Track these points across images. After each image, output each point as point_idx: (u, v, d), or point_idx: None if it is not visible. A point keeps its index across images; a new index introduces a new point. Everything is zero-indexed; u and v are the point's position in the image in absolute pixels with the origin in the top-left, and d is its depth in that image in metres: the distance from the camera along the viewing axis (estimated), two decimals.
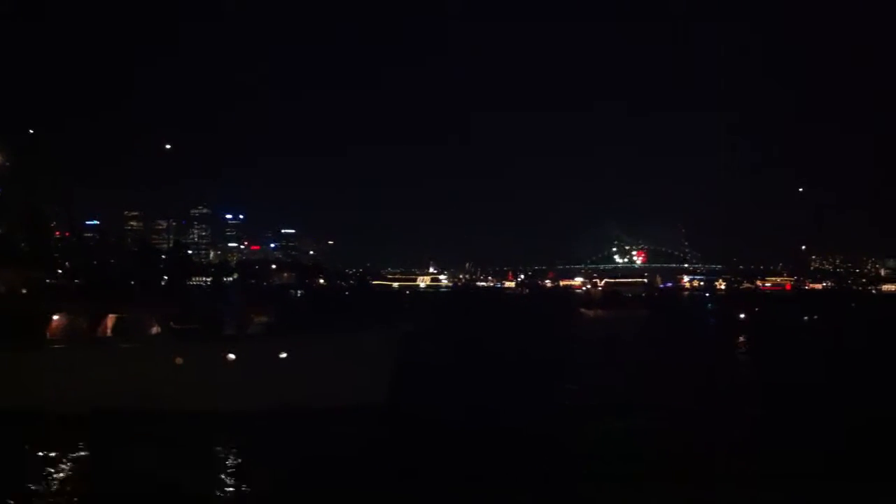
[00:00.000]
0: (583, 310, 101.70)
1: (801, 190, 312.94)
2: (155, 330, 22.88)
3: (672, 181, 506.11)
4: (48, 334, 22.56)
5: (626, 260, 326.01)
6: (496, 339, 49.94)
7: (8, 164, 28.63)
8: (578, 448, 18.55)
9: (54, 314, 22.87)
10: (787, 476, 15.75)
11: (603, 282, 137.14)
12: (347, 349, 22.14)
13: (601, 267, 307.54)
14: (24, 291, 24.22)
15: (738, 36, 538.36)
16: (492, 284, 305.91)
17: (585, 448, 18.54)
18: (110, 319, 23.07)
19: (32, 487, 15.19)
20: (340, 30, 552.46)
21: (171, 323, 22.83)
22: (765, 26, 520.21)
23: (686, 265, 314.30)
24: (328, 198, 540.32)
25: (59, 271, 30.28)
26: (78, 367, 21.37)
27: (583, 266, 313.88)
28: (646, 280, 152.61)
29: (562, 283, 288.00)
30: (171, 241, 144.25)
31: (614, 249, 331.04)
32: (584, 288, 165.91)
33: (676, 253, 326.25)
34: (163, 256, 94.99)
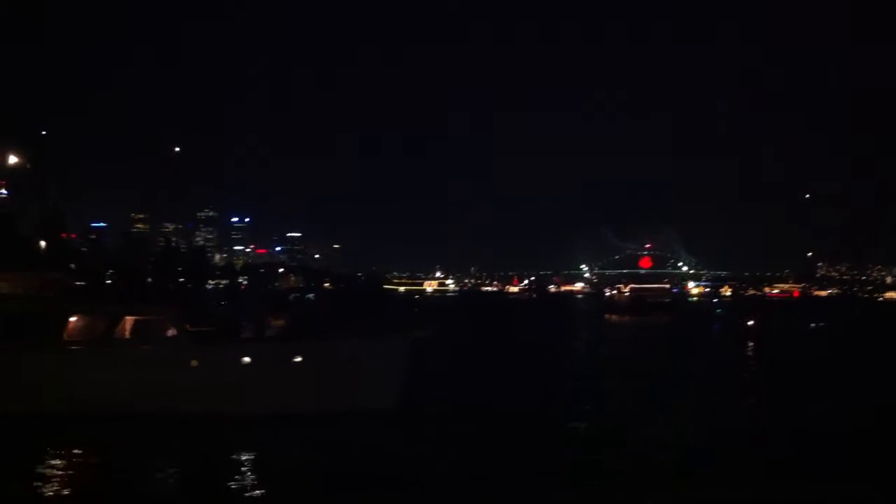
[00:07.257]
0: (608, 315, 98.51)
1: (807, 196, 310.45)
2: (171, 332, 22.94)
3: (673, 186, 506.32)
4: (66, 336, 22.62)
5: (614, 256, 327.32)
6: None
7: (28, 165, 28.72)
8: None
9: (72, 316, 22.92)
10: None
11: (628, 287, 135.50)
12: (360, 354, 22.21)
13: (606, 273, 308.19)
14: (41, 293, 24.21)
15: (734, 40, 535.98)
16: (497, 289, 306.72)
17: None
18: (128, 321, 23.14)
19: None
20: (356, 32, 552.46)
21: (188, 325, 22.93)
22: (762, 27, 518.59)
23: (691, 271, 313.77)
24: (335, 203, 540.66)
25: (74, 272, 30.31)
26: (94, 369, 21.52)
27: (587, 271, 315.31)
28: (668, 286, 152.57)
29: (563, 288, 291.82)
30: (177, 243, 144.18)
31: (618, 257, 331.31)
32: (610, 293, 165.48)
33: (678, 260, 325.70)
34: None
